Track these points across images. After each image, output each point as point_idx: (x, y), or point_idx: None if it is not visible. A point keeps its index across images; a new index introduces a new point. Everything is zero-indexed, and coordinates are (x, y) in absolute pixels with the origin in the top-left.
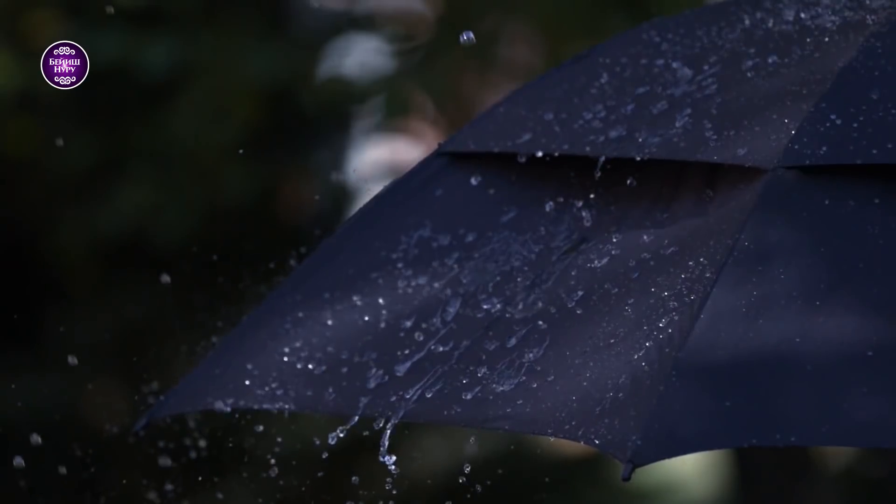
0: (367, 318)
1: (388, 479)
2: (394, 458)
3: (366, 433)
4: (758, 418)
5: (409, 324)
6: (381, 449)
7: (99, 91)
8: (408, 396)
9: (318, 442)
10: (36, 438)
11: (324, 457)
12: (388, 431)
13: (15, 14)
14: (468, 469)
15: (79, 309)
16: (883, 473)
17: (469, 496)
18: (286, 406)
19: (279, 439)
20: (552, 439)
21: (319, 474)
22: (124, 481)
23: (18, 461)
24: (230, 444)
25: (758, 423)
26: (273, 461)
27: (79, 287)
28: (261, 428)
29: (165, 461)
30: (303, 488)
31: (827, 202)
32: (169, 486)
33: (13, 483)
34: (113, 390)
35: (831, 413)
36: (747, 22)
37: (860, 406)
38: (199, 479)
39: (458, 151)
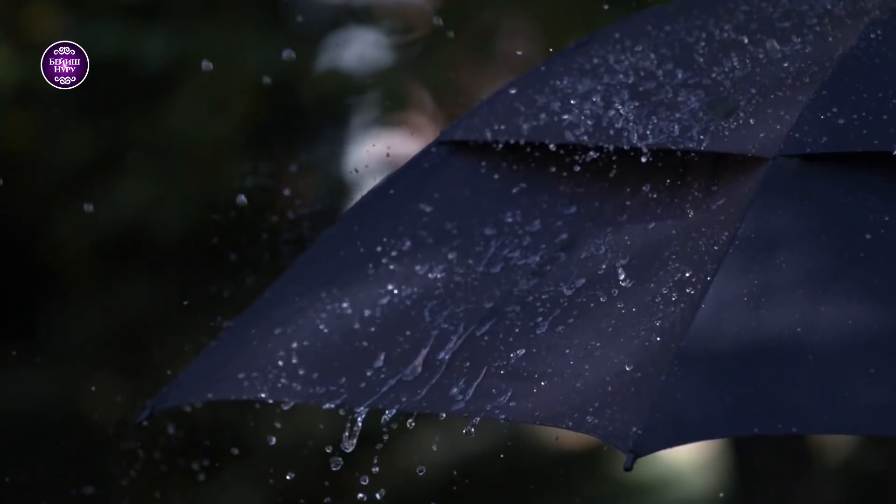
0: (366, 312)
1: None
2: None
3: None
4: (760, 407)
5: (407, 317)
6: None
7: (97, 85)
8: (407, 387)
9: (321, 428)
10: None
11: (337, 458)
12: (387, 419)
13: (13, 8)
14: (466, 462)
15: (77, 303)
16: (882, 466)
17: (467, 489)
18: (287, 399)
19: (278, 434)
20: (553, 431)
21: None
22: (124, 476)
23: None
24: (231, 437)
25: (759, 412)
26: (273, 448)
27: (77, 281)
28: (260, 421)
29: (164, 455)
30: (309, 483)
31: (828, 190)
32: (169, 478)
33: (12, 479)
34: (112, 385)
35: (833, 401)
36: (745, 10)
37: (862, 394)
38: (199, 473)
39: (458, 141)
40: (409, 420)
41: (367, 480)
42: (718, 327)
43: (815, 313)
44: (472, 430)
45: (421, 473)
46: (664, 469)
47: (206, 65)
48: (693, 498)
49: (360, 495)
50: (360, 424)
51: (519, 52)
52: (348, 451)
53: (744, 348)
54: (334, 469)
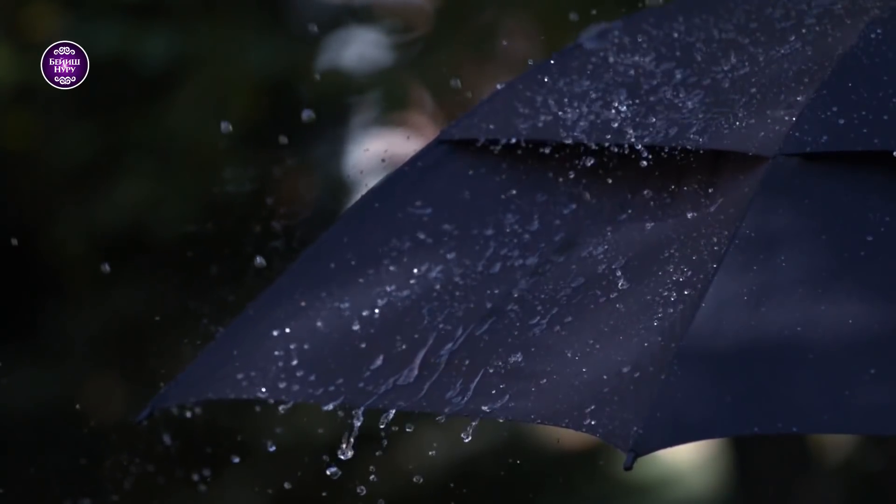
0: (364, 312)
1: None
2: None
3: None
4: (760, 406)
5: (406, 317)
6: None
7: (97, 84)
8: (406, 387)
9: (320, 431)
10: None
11: (336, 470)
12: (386, 420)
13: (13, 7)
14: (466, 462)
15: (77, 302)
16: (882, 466)
17: (467, 489)
18: (286, 399)
19: (277, 436)
20: (553, 431)
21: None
22: (123, 477)
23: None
24: (230, 441)
25: (760, 411)
26: (272, 452)
27: (77, 281)
28: (260, 420)
29: (164, 453)
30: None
31: (828, 189)
32: (168, 480)
33: (11, 479)
34: (112, 384)
35: (833, 401)
36: (745, 9)
37: (862, 393)
38: (198, 471)
39: (457, 140)
40: (409, 424)
41: (367, 484)
42: (718, 327)
43: (816, 313)
44: (471, 430)
45: (419, 481)
46: (664, 469)
47: (225, 125)
48: (693, 498)
49: None
50: (357, 431)
51: (519, 52)
52: (345, 458)
53: (744, 348)
54: (333, 478)
